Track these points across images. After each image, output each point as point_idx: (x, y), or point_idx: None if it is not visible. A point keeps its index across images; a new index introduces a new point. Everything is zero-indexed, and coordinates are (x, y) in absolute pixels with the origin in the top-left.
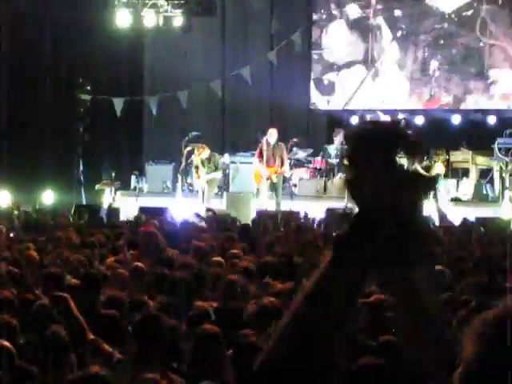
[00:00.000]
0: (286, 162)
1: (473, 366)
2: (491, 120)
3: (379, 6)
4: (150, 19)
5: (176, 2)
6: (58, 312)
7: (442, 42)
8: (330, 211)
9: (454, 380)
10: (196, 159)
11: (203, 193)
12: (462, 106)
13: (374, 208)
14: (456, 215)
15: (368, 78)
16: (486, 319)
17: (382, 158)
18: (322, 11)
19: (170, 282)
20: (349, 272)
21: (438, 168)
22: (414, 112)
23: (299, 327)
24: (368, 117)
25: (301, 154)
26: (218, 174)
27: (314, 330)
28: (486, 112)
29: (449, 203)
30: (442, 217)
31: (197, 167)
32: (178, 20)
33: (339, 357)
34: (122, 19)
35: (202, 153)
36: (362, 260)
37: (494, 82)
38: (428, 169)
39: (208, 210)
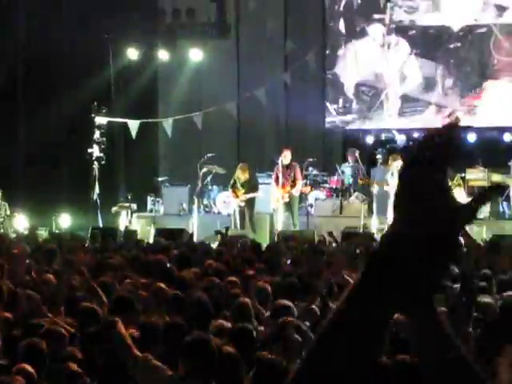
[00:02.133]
0: (299, 183)
1: None
2: (506, 137)
3: (392, 26)
4: (163, 54)
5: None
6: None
7: (453, 60)
8: (346, 231)
9: None
10: (237, 179)
11: (240, 214)
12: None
13: (422, 227)
14: (473, 233)
15: (383, 97)
16: None
17: (440, 176)
18: (336, 32)
19: (187, 303)
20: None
21: (459, 193)
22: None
23: (325, 352)
24: (383, 136)
25: (316, 174)
26: (257, 194)
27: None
28: (501, 129)
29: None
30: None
31: (235, 186)
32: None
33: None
34: (134, 54)
35: (244, 173)
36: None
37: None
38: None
39: (217, 232)
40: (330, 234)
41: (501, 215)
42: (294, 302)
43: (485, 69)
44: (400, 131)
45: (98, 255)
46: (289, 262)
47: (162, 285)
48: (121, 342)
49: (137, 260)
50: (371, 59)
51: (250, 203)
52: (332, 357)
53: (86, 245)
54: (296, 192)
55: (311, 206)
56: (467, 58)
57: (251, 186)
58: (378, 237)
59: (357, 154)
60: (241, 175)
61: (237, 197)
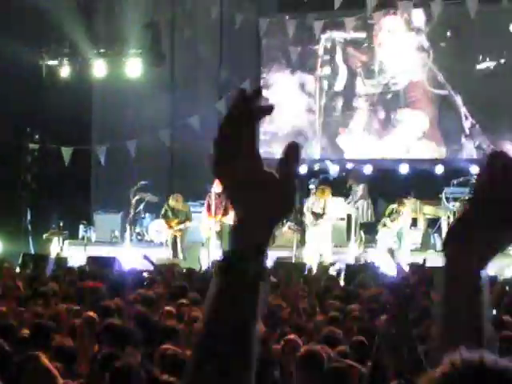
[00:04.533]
0: (231, 211)
1: None
2: (438, 170)
3: (326, 57)
4: (99, 69)
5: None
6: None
7: (389, 96)
8: (279, 261)
9: None
10: (169, 208)
11: (172, 243)
12: (409, 156)
13: None
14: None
15: (315, 129)
16: (432, 378)
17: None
18: (271, 62)
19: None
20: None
21: (407, 216)
22: (361, 162)
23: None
24: (317, 166)
25: None
26: (190, 223)
27: None
28: (433, 161)
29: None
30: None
31: (167, 216)
32: (131, 68)
33: None
34: (67, 71)
35: (177, 203)
36: None
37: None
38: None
39: (145, 257)
40: None
41: (431, 246)
42: None
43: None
44: (334, 161)
45: (31, 282)
46: None
47: (92, 313)
48: (46, 373)
49: (71, 287)
50: (304, 89)
51: (183, 232)
52: None
53: (17, 271)
54: (228, 220)
55: None
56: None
57: (184, 215)
58: (309, 266)
59: None
60: (174, 204)
61: (170, 227)
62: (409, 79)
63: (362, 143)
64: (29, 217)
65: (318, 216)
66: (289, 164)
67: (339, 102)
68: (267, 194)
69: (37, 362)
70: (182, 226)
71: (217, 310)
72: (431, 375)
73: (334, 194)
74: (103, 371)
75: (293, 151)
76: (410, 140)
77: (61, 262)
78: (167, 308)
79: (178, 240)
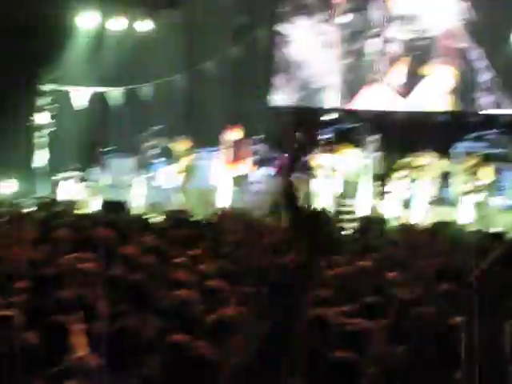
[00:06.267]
0: (248, 160)
1: None
2: (454, 123)
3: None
4: (114, 24)
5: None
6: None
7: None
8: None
9: None
10: (177, 153)
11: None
12: (426, 109)
13: None
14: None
15: (334, 75)
16: None
17: None
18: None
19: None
20: None
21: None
22: (378, 113)
23: None
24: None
25: (265, 151)
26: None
27: None
28: (449, 115)
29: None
30: None
31: (176, 162)
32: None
33: None
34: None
35: (184, 146)
36: None
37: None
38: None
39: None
40: None
41: (444, 201)
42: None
43: None
44: (347, 112)
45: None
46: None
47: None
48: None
49: (83, 234)
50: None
51: (186, 176)
52: None
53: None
54: (243, 169)
55: (259, 182)
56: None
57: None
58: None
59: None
60: (177, 148)
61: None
62: (441, 29)
63: (383, 95)
64: (43, 159)
65: (330, 170)
66: None
67: (364, 48)
68: None
69: None
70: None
71: None
72: None
73: (349, 147)
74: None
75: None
76: (431, 94)
77: (72, 205)
78: (178, 259)
79: (181, 183)
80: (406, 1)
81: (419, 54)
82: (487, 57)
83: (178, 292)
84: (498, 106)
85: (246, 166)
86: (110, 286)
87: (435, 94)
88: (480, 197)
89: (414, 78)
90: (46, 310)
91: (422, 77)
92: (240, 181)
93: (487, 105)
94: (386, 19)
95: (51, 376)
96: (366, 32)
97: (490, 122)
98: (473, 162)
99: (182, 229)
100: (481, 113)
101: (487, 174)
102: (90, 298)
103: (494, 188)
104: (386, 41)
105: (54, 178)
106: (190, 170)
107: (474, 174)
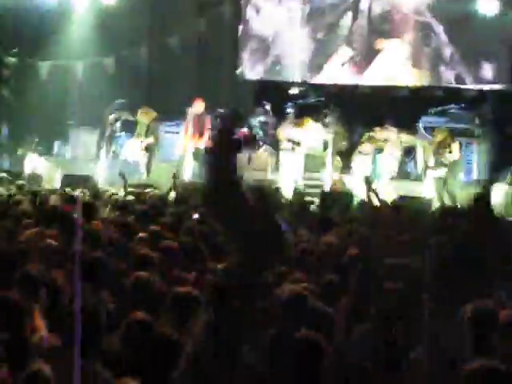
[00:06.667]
0: (206, 134)
1: None
2: (416, 98)
3: None
4: None
5: None
6: None
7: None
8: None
9: None
10: (142, 125)
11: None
12: (386, 83)
13: None
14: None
15: (302, 45)
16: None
17: None
18: None
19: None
20: None
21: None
22: (339, 87)
23: None
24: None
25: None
26: (152, 139)
27: None
28: (410, 90)
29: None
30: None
31: (139, 134)
32: None
33: None
34: None
35: (146, 117)
36: None
37: None
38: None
39: (120, 175)
40: None
41: (407, 175)
42: None
43: None
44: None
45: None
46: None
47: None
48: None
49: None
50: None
51: (148, 149)
52: None
53: None
54: (201, 143)
55: None
56: None
57: (150, 131)
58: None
59: (267, 107)
60: (139, 118)
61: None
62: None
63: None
64: (5, 132)
65: (295, 144)
66: None
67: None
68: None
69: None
70: (145, 143)
71: None
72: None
73: (312, 121)
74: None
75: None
76: (389, 68)
77: (35, 179)
78: (141, 234)
79: (143, 157)
80: None
81: (378, 27)
82: (448, 31)
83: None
84: (462, 81)
85: (204, 140)
86: (72, 263)
87: (395, 67)
88: (445, 172)
89: (371, 52)
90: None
91: (379, 51)
92: (199, 155)
93: (450, 79)
94: None
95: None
96: (334, 7)
97: (453, 96)
98: (441, 136)
99: (145, 204)
100: (443, 86)
101: (455, 149)
102: (53, 275)
103: (460, 163)
104: (354, 16)
105: (19, 151)
106: (154, 143)
107: (444, 148)
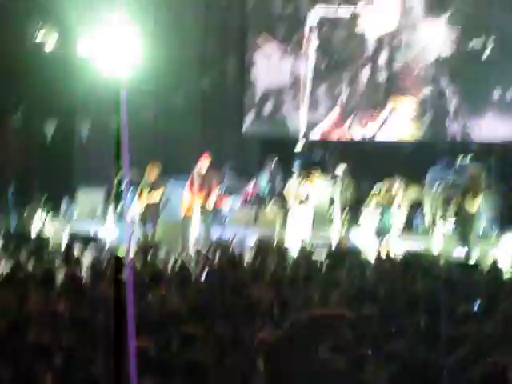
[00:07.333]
0: (214, 193)
1: None
2: (422, 152)
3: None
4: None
5: None
6: None
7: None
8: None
9: None
10: (145, 180)
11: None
12: (393, 138)
13: None
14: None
15: (304, 103)
16: None
17: None
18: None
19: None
20: None
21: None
22: (344, 143)
23: None
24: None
25: (232, 182)
26: (158, 194)
27: None
28: (416, 144)
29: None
30: None
31: (141, 189)
32: None
33: None
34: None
35: (152, 173)
36: None
37: None
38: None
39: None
40: None
41: (413, 230)
42: None
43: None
44: (315, 142)
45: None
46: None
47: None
48: None
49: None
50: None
51: (154, 204)
52: None
53: None
54: (209, 204)
55: (225, 215)
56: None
57: (157, 186)
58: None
59: (274, 163)
60: (149, 175)
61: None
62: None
63: (347, 124)
64: (11, 193)
65: (301, 201)
66: None
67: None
68: None
69: None
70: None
71: None
72: None
73: (319, 176)
74: None
75: None
76: (396, 123)
77: (43, 242)
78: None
79: (148, 213)
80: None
81: (384, 84)
82: (454, 83)
83: None
84: (468, 133)
85: (212, 198)
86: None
87: (400, 123)
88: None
89: (378, 108)
90: None
91: (385, 107)
92: (206, 213)
93: (457, 132)
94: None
95: None
96: (335, 62)
97: (462, 148)
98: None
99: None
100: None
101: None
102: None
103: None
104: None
105: (26, 210)
106: (160, 203)
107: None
